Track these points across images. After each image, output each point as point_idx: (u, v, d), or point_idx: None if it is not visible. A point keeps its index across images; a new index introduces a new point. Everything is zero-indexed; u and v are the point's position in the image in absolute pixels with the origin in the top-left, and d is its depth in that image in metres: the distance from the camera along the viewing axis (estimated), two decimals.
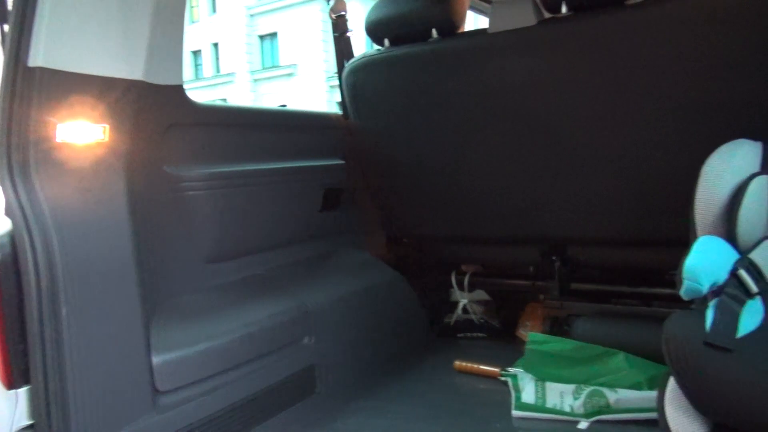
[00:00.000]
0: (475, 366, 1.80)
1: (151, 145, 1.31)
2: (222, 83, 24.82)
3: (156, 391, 1.21)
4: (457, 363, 1.83)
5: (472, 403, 1.62)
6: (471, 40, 1.71)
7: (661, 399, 1.07)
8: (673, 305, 1.42)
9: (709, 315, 1.04)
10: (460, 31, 1.76)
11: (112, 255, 1.14)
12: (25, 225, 1.04)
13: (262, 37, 24.50)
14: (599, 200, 1.67)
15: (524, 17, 1.56)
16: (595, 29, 1.49)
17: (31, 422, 1.06)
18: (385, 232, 2.15)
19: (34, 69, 1.05)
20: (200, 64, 26.28)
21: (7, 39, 1.07)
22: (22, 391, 1.05)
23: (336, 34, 2.10)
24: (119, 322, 1.15)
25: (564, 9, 1.51)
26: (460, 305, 2.14)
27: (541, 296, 1.96)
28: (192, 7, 26.32)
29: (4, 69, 1.07)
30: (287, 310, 1.54)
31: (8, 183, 1.05)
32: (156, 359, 1.21)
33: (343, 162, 1.96)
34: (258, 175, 1.64)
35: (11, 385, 1.05)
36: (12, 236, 1.05)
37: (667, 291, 1.80)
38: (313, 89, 22.95)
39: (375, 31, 1.84)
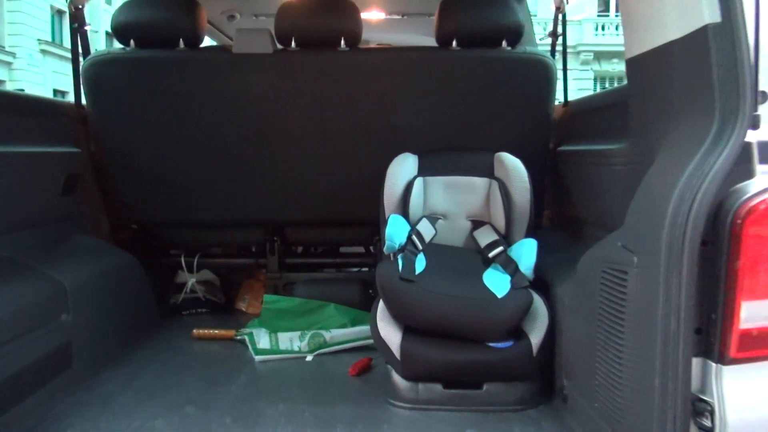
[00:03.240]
0: (212, 331, 2.13)
1: None
2: None
3: None
4: (195, 331, 2.12)
5: (215, 361, 1.94)
6: (217, 55, 2.05)
7: (373, 317, 1.65)
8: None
9: (399, 262, 1.66)
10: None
11: None
12: None
13: None
14: (307, 191, 2.20)
15: (263, 46, 1.99)
16: (315, 62, 2.02)
17: None
18: (108, 219, 2.28)
19: None
20: None
21: None
22: None
23: (74, 26, 2.13)
24: None
25: (293, 44, 2.00)
26: (188, 285, 2.41)
27: (264, 271, 2.41)
28: None
29: None
30: (41, 290, 1.61)
31: None
32: None
33: (78, 150, 2.04)
34: None
35: None
36: None
37: (355, 260, 2.48)
38: None
39: (122, 30, 1.99)
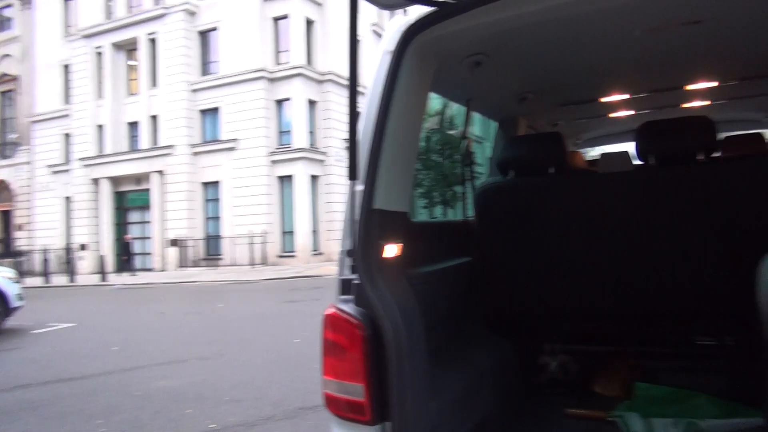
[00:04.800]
0: (584, 411, 2.42)
1: None
2: (159, 155, 24.68)
3: None
4: (568, 410, 2.45)
5: None
6: (579, 177, 2.47)
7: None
8: None
9: None
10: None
11: None
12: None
13: (203, 112, 24.84)
14: (661, 284, 2.40)
15: (625, 164, 2.33)
16: (671, 178, 2.28)
17: None
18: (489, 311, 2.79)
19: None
20: (136, 136, 26.11)
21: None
22: None
23: (466, 161, 2.79)
24: None
25: (652, 160, 2.30)
26: (549, 367, 2.78)
27: (623, 357, 2.65)
28: (130, 80, 26.48)
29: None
30: (467, 375, 2.12)
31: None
32: None
33: (470, 258, 2.61)
34: None
35: None
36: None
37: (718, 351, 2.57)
38: (254, 163, 23.37)
39: (504, 164, 2.55)
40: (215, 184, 24.51)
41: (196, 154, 24.63)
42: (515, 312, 2.78)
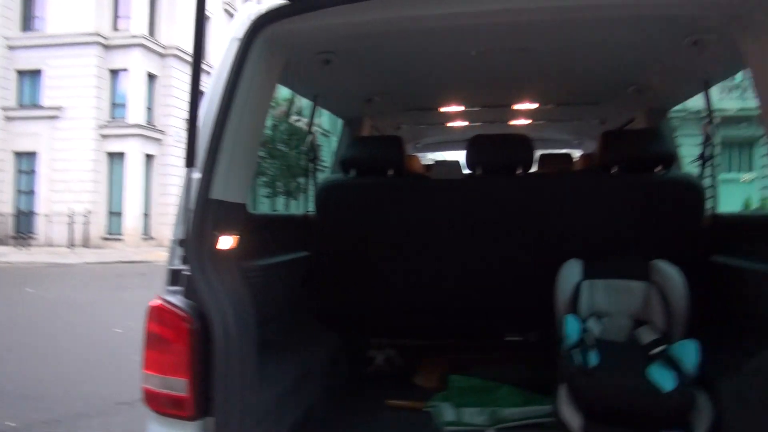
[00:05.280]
0: (403, 402, 2.57)
1: None
2: None
3: None
4: (388, 400, 2.58)
5: (408, 428, 2.38)
6: (415, 181, 2.61)
7: (558, 402, 2.01)
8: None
9: (579, 357, 2.03)
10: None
11: None
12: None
13: (21, 73, 21.97)
14: (484, 285, 2.64)
15: (456, 173, 2.52)
16: (494, 188, 2.51)
17: None
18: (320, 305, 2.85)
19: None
20: None
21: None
22: None
23: (311, 156, 2.80)
24: None
25: (479, 170, 2.51)
26: (375, 360, 2.91)
27: (442, 351, 2.86)
28: None
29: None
30: (298, 366, 2.16)
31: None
32: None
33: (308, 253, 2.64)
34: None
35: None
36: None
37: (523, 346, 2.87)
38: (79, 135, 21.22)
39: (347, 163, 2.61)
40: (31, 155, 21.82)
41: (9, 119, 21.74)
42: (347, 307, 2.86)
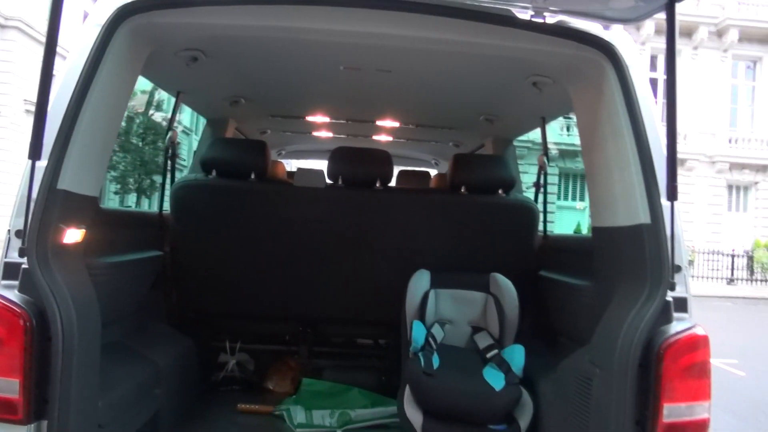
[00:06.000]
0: (254, 406, 2.58)
1: None
2: None
3: None
4: (240, 405, 2.57)
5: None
6: (277, 186, 2.64)
7: (401, 402, 2.15)
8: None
9: (421, 359, 2.19)
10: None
11: None
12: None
13: None
14: (339, 295, 2.74)
15: (318, 182, 2.59)
16: (356, 196, 2.62)
17: None
18: (173, 309, 2.75)
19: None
20: None
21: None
22: None
23: (169, 153, 2.70)
24: None
25: (340, 181, 2.60)
26: (228, 366, 2.87)
27: (295, 357, 2.89)
28: None
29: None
30: (145, 369, 2.09)
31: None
32: None
33: (161, 252, 2.54)
34: None
35: None
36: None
37: (370, 351, 2.99)
38: None
39: (207, 163, 2.57)
40: None
41: None
42: (200, 310, 2.80)
